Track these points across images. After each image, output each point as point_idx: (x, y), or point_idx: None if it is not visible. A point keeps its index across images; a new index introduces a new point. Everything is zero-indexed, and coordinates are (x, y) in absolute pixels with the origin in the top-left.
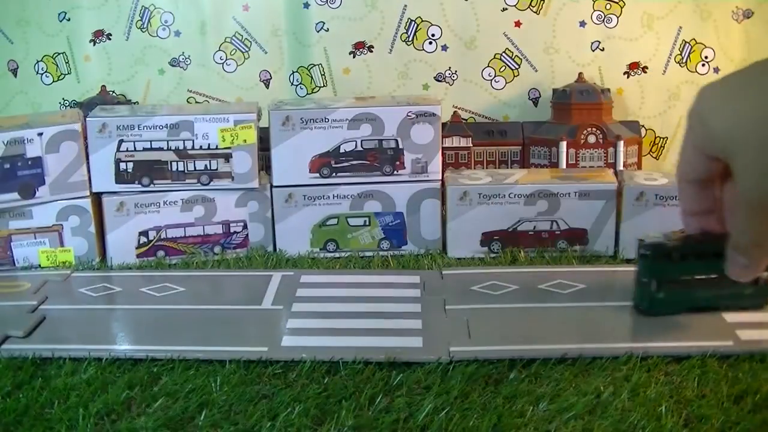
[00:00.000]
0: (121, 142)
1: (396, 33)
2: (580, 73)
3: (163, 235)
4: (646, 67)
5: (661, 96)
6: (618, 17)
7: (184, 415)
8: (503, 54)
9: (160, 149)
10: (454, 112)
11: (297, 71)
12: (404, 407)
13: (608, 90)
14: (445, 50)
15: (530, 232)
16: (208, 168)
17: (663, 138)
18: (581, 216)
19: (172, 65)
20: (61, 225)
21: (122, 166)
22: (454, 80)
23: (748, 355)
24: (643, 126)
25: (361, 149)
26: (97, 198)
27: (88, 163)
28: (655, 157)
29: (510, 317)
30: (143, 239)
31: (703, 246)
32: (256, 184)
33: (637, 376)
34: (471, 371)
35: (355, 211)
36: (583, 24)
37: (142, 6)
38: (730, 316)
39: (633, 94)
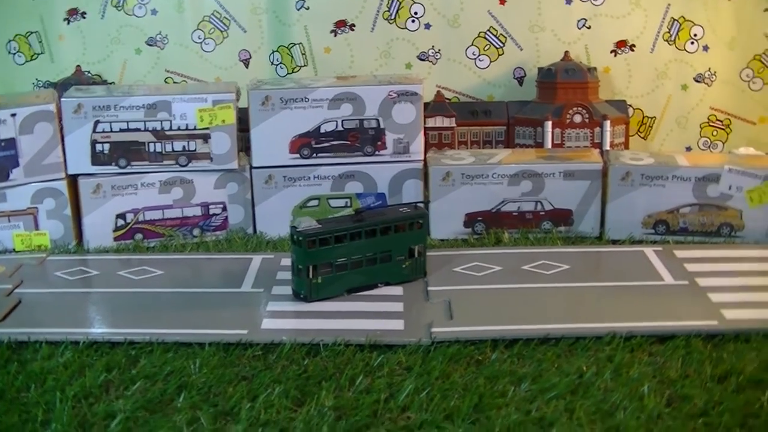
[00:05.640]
0: (97, 122)
1: (378, 11)
2: (566, 52)
3: (140, 218)
4: (634, 45)
5: (649, 75)
6: None
7: (162, 397)
8: (487, 32)
9: (138, 130)
10: (438, 91)
11: (277, 50)
12: (385, 388)
13: (595, 69)
14: (428, 28)
15: (514, 213)
16: (186, 149)
17: (651, 117)
18: (566, 196)
19: (149, 45)
20: (36, 208)
21: (98, 147)
22: (437, 59)
23: (733, 335)
24: (630, 105)
25: (342, 129)
26: (72, 180)
27: (63, 144)
28: (643, 137)
29: (493, 298)
30: (120, 222)
31: (357, 226)
32: (235, 165)
33: (620, 356)
34: (452, 352)
35: (336, 192)
36: (569, 1)
37: None
38: (716, 296)
39: (620, 72)
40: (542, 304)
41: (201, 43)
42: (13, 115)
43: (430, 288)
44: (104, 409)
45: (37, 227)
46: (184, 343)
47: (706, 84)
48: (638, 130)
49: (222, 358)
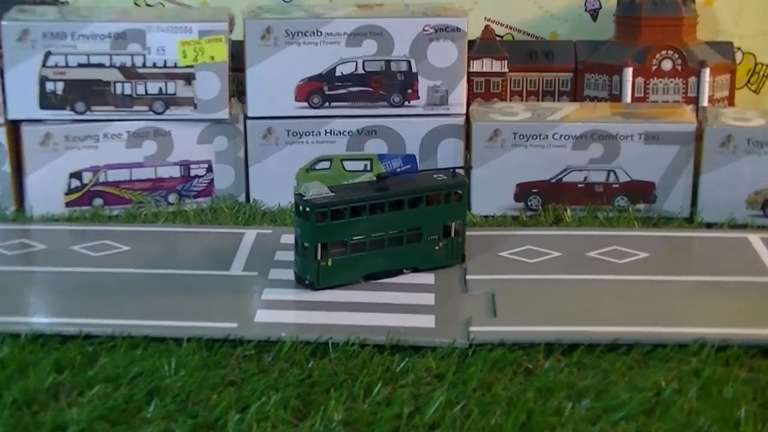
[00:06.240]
0: (48, 54)
1: None
2: None
3: (101, 179)
4: None
5: (765, 9)
6: None
7: (128, 405)
8: None
9: (101, 66)
10: (486, 26)
11: None
12: (409, 400)
13: (692, 0)
14: None
15: (580, 185)
16: (164, 92)
17: (766, 65)
18: (648, 165)
19: None
20: None
21: (49, 86)
22: None
23: None
24: (738, 49)
25: (363, 72)
26: (14, 127)
27: (2, 81)
28: (754, 91)
29: (548, 292)
30: (75, 183)
31: (379, 196)
32: (225, 114)
33: (709, 371)
34: (495, 357)
35: (354, 153)
36: None
37: None
38: None
39: (726, 6)
40: (612, 301)
41: None
42: None
43: (469, 276)
44: (52, 419)
45: None
46: (157, 339)
47: None
48: (748, 81)
49: (204, 357)
